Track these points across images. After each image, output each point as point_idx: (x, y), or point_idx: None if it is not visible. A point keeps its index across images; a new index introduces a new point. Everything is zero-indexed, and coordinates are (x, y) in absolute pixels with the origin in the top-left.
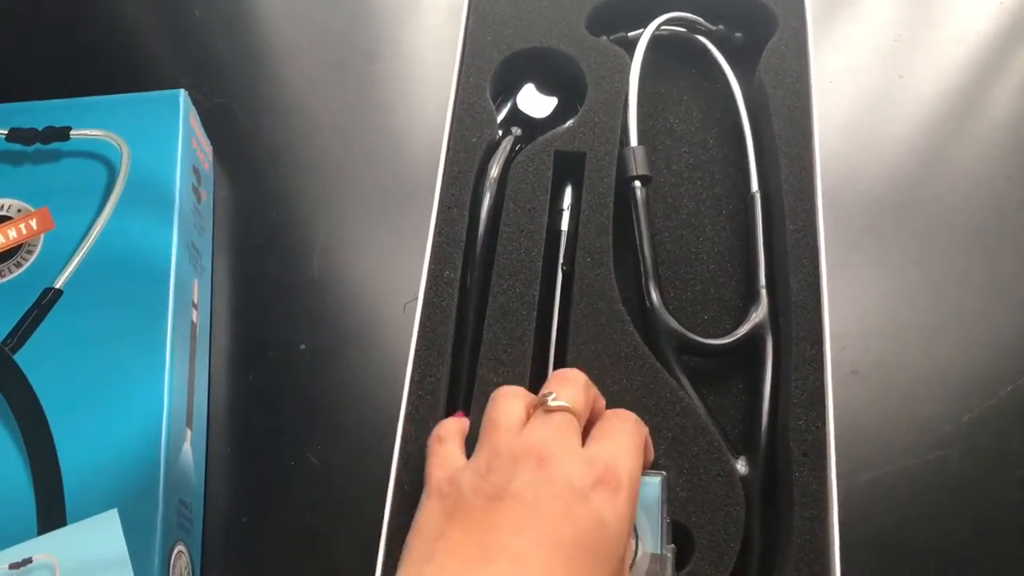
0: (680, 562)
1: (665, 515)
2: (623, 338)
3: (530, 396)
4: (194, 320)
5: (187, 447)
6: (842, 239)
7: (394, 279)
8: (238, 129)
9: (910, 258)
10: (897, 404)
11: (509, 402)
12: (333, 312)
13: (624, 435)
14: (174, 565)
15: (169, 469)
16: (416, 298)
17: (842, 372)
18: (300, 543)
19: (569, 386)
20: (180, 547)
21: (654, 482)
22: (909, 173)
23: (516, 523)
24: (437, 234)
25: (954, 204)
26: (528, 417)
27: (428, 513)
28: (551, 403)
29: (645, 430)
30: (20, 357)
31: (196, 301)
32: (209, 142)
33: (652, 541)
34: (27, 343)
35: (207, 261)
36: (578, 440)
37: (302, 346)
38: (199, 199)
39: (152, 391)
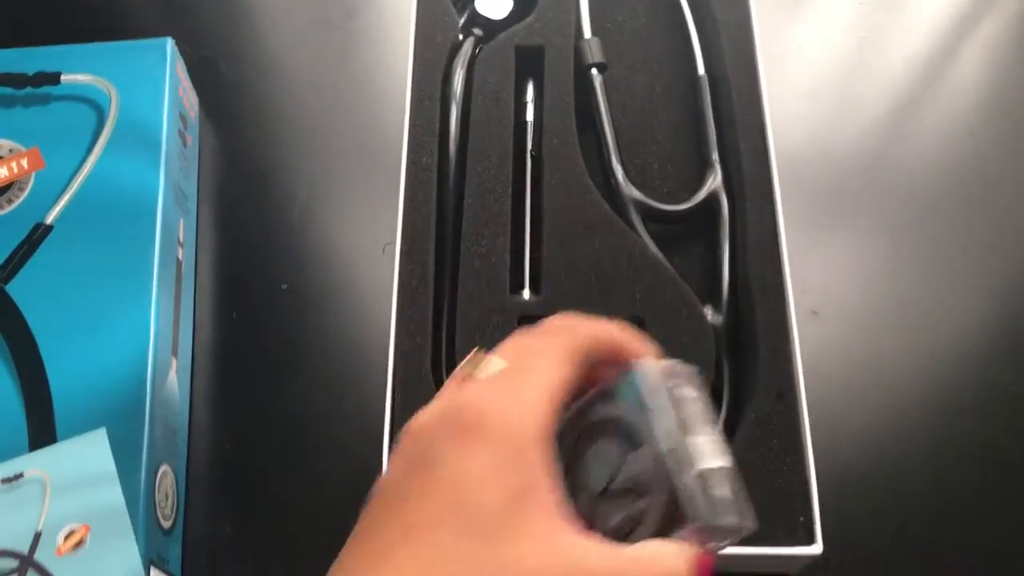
0: None
1: (672, 406)
2: (592, 207)
3: None
4: (180, 258)
5: (172, 375)
6: (805, 195)
7: (373, 224)
8: (223, 81)
9: (872, 211)
10: (855, 343)
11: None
12: (314, 254)
13: (523, 358)
14: (159, 484)
15: (155, 393)
16: (394, 241)
17: (802, 312)
18: (283, 470)
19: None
20: (165, 467)
21: (633, 377)
22: (873, 134)
23: (381, 513)
24: (412, 125)
25: (916, 161)
26: None
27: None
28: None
29: (572, 339)
30: (12, 288)
31: (182, 240)
32: (195, 92)
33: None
34: (18, 275)
35: (192, 204)
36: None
37: (284, 286)
38: (185, 144)
39: (139, 320)
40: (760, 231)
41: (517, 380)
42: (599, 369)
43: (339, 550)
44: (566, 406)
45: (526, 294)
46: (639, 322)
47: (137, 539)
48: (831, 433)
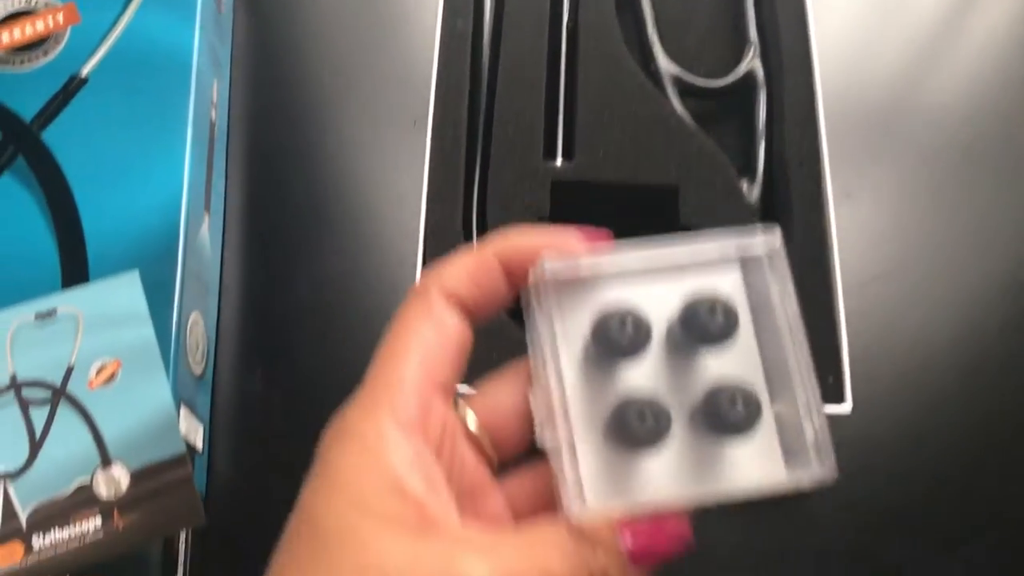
0: None
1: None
2: (629, 78)
3: None
4: (213, 119)
5: (204, 231)
6: (841, 89)
7: (402, 96)
8: None
9: (911, 112)
10: (888, 226)
11: None
12: (345, 123)
13: (391, 341)
14: (190, 331)
15: (188, 241)
16: (426, 116)
17: (837, 194)
18: (312, 329)
19: None
20: (196, 315)
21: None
22: (917, 37)
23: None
24: None
25: (962, 69)
26: None
27: None
28: None
29: (428, 299)
30: (47, 135)
31: (215, 101)
32: None
33: None
34: (53, 124)
35: (226, 71)
36: None
37: (316, 153)
38: (220, 9)
39: (172, 170)
40: (798, 105)
41: (373, 380)
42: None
43: None
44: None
45: (559, 160)
46: (673, 191)
47: (168, 378)
48: (862, 306)
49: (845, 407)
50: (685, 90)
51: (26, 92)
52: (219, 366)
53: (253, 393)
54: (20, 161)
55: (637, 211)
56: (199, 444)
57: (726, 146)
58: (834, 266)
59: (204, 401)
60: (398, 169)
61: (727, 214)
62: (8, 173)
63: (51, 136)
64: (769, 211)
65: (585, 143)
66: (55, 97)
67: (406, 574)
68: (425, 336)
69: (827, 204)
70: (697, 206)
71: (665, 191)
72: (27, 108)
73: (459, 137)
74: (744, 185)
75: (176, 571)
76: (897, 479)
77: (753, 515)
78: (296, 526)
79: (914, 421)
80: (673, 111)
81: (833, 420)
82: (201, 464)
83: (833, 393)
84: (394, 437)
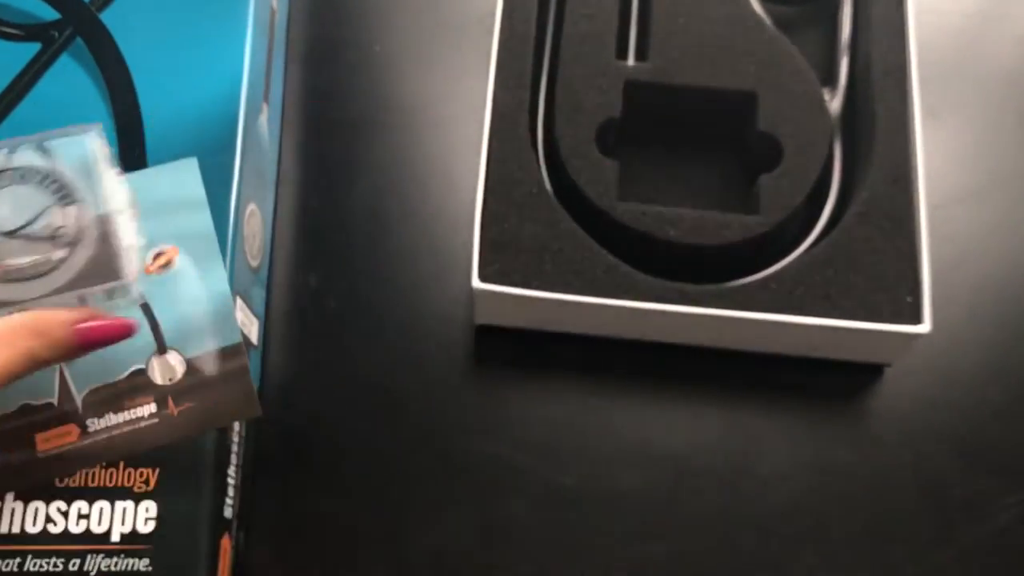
0: (770, 165)
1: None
2: None
3: None
4: (273, 6)
5: (263, 121)
6: (927, 39)
7: None
8: None
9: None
10: (973, 147)
11: None
12: (408, 19)
13: None
14: (248, 221)
15: (247, 128)
16: (493, 11)
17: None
18: (369, 224)
19: None
20: (253, 207)
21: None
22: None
23: None
24: None
25: None
26: None
27: None
28: None
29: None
30: (106, 16)
31: None
32: None
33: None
34: (113, 4)
35: None
36: None
37: (377, 47)
38: None
39: (232, 57)
40: (886, 9)
41: None
42: None
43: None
44: None
45: (631, 60)
46: (751, 96)
47: (226, 267)
48: (944, 229)
49: (923, 327)
50: None
51: None
52: (275, 264)
53: (309, 293)
54: (78, 42)
55: (712, 116)
56: (255, 338)
57: (807, 56)
58: (918, 185)
59: (260, 296)
60: (463, 68)
61: (806, 123)
62: (66, 54)
63: (110, 17)
64: (851, 121)
65: (660, 43)
66: None
67: None
68: None
69: (913, 119)
70: (775, 113)
71: (742, 96)
72: None
73: (528, 32)
74: (826, 95)
75: (229, 464)
76: (974, 406)
77: (819, 437)
78: None
79: (997, 347)
80: (753, 12)
81: (909, 339)
82: (256, 359)
83: (911, 313)
84: None
